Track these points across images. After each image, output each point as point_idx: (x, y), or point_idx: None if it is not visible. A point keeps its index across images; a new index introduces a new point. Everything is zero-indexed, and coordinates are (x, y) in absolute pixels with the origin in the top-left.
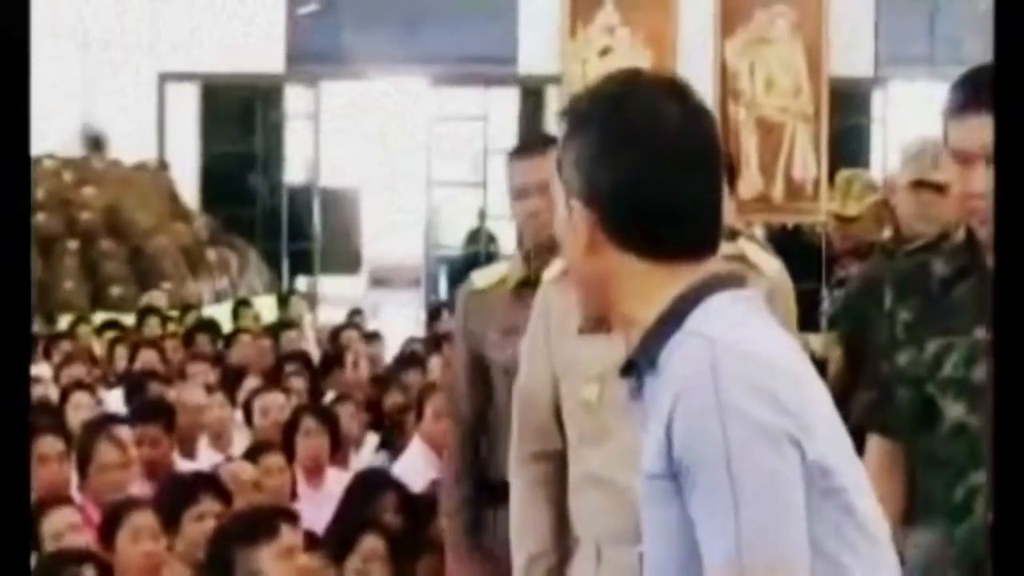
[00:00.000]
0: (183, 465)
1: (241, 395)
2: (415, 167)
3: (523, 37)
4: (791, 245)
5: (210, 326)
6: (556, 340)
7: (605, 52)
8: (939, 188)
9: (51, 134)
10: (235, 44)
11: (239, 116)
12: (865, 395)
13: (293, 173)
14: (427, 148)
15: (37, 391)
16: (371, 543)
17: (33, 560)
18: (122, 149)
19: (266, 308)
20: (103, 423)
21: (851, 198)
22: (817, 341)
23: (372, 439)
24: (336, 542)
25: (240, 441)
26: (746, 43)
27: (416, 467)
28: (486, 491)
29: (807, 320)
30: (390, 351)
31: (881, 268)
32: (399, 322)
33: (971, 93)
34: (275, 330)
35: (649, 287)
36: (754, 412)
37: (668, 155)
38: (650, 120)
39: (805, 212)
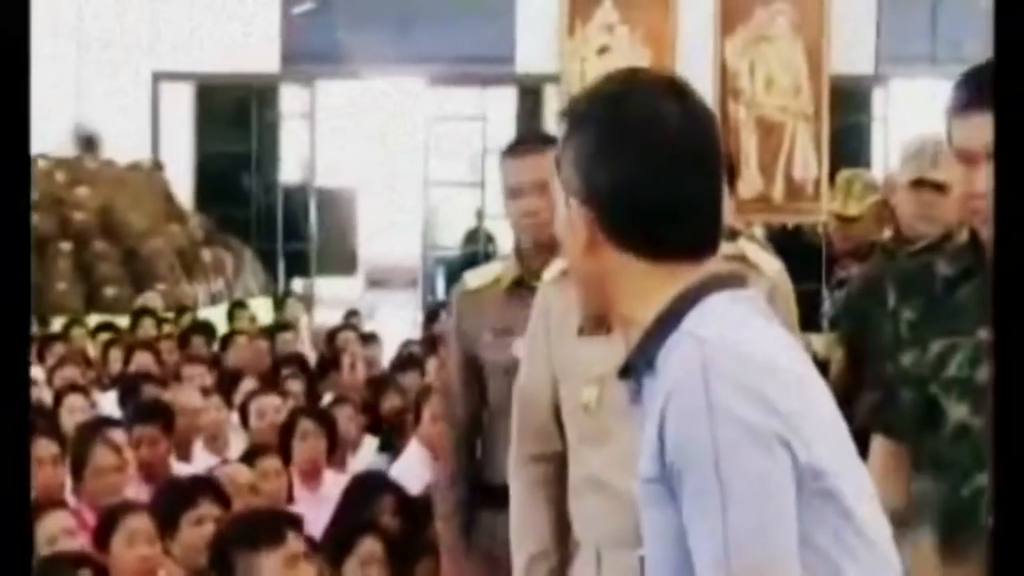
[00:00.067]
0: (179, 468)
1: (237, 397)
2: (412, 167)
3: (521, 36)
4: (792, 245)
5: (205, 328)
6: (556, 341)
7: (603, 51)
8: (939, 187)
9: (44, 134)
10: (230, 43)
11: (234, 116)
12: (869, 396)
13: (289, 173)
14: (424, 148)
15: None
16: (369, 546)
17: None
18: (116, 149)
19: (262, 310)
20: (98, 426)
21: (852, 198)
22: (819, 342)
23: (369, 441)
24: (334, 545)
25: (236, 444)
26: (746, 41)
27: (414, 469)
28: (482, 493)
29: (808, 320)
30: (387, 353)
31: (883, 268)
32: (396, 323)
33: (974, 91)
34: (271, 332)
35: (648, 287)
36: (743, 413)
37: (667, 154)
38: (649, 119)
39: (805, 212)
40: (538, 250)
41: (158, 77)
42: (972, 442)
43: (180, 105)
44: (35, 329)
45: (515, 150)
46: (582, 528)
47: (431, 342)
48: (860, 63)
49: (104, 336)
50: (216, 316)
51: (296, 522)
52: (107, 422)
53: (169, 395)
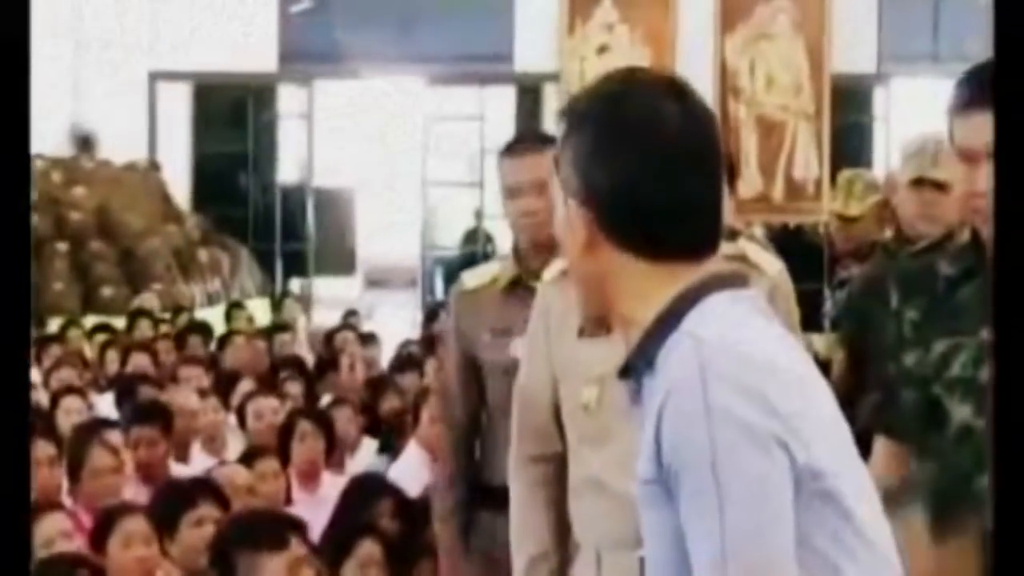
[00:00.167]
0: (176, 469)
1: (235, 399)
2: (411, 167)
3: (519, 35)
4: (793, 245)
5: (202, 329)
6: (555, 341)
7: (603, 50)
8: (940, 186)
9: (40, 134)
10: (227, 43)
11: (231, 115)
12: (871, 397)
13: (286, 173)
14: (423, 147)
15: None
16: (368, 548)
17: None
18: (112, 149)
19: (259, 310)
20: (95, 428)
21: (853, 198)
22: (820, 342)
23: (368, 443)
24: (332, 547)
25: (234, 445)
26: (746, 39)
27: (413, 471)
28: (481, 494)
29: (810, 321)
30: (386, 353)
31: (884, 268)
32: (395, 324)
33: (976, 90)
34: (269, 333)
35: (648, 287)
36: (742, 414)
37: (666, 154)
38: (648, 119)
39: (806, 211)
40: (536, 250)
41: (155, 77)
42: (975, 443)
43: (177, 105)
44: (32, 330)
45: (513, 150)
46: (582, 529)
47: (430, 342)
48: (861, 62)
49: (101, 337)
50: (213, 317)
51: (299, 527)
52: (104, 424)
53: (166, 396)
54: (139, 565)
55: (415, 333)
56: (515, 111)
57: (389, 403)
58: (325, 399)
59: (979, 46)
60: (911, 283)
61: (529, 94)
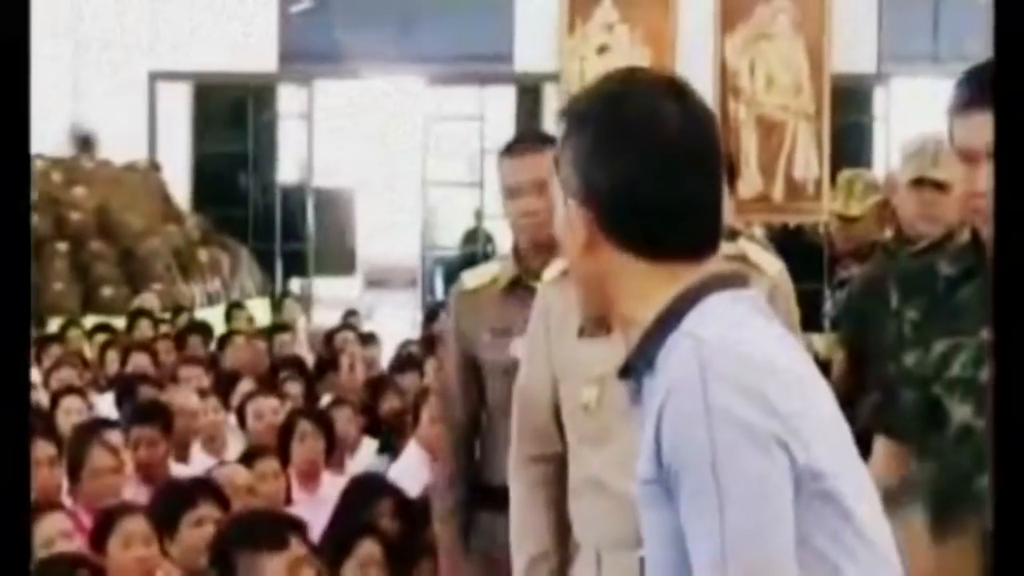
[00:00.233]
0: (176, 470)
1: (235, 399)
2: (411, 167)
3: (519, 34)
4: (793, 245)
5: (202, 329)
6: (555, 341)
7: (603, 50)
8: (939, 186)
9: (40, 134)
10: (227, 42)
11: (231, 115)
12: (871, 397)
13: (286, 173)
14: (423, 147)
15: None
16: (368, 548)
17: None
18: (112, 149)
19: (259, 310)
20: (95, 428)
21: (853, 198)
22: (820, 342)
23: (368, 443)
24: (332, 547)
25: (234, 445)
26: (746, 39)
27: (413, 471)
28: (481, 494)
29: (810, 321)
30: (386, 353)
31: (884, 268)
32: (395, 324)
33: (976, 90)
34: (269, 333)
35: (648, 287)
36: (742, 414)
37: (666, 154)
38: (648, 119)
39: (806, 211)
40: (536, 250)
41: (155, 77)
42: (975, 443)
43: (177, 105)
44: (31, 330)
45: (513, 149)
46: (582, 529)
47: (430, 343)
48: (861, 62)
49: (101, 337)
50: (213, 317)
51: (299, 527)
52: (104, 424)
53: (166, 397)
54: (139, 565)
55: (415, 333)
56: (515, 111)
57: (389, 403)
58: (325, 399)
59: (979, 46)
60: (911, 283)
61: (529, 94)
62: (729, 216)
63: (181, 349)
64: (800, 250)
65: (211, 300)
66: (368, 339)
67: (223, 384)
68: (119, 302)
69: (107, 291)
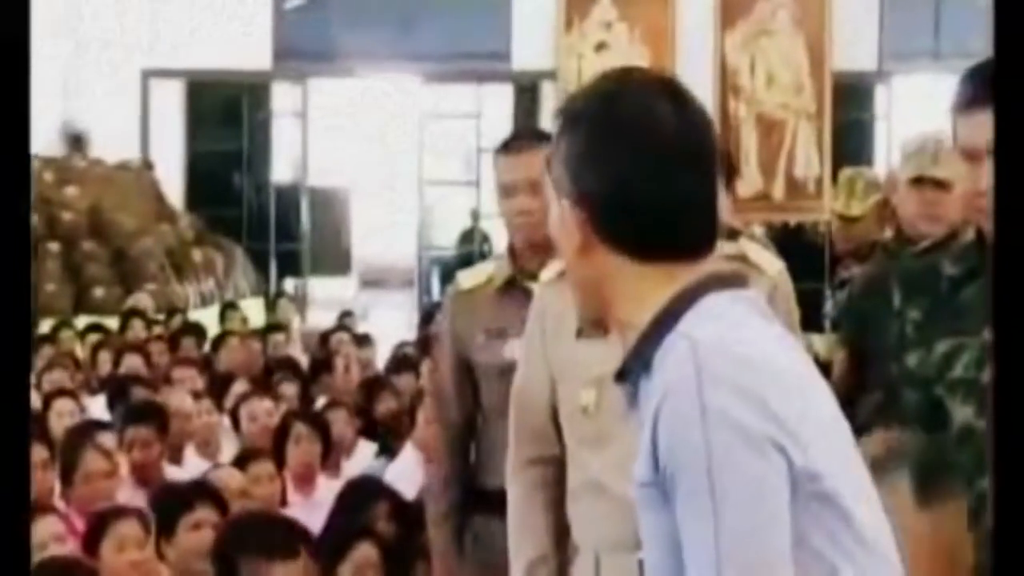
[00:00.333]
0: (170, 472)
1: (228, 401)
2: (407, 166)
3: (517, 32)
4: (793, 244)
5: (196, 329)
6: (553, 342)
7: (601, 47)
8: (940, 184)
9: (33, 133)
10: (221, 40)
11: (225, 114)
12: (872, 397)
13: (281, 172)
14: (419, 146)
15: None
16: (364, 551)
17: None
18: (105, 148)
19: (253, 311)
20: (88, 430)
21: (855, 198)
22: (821, 342)
23: (363, 445)
24: (328, 550)
25: (228, 448)
26: (746, 36)
27: (409, 473)
28: (476, 497)
29: (810, 321)
30: (382, 354)
31: (886, 268)
32: (391, 324)
33: (978, 88)
34: (263, 334)
35: (643, 289)
36: (737, 415)
37: (660, 154)
38: (641, 118)
39: (807, 210)
40: (532, 250)
41: (148, 74)
42: (977, 444)
43: (170, 103)
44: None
45: (510, 147)
46: (581, 532)
47: (426, 343)
48: (862, 59)
49: (93, 338)
50: (207, 317)
51: (307, 536)
52: (97, 426)
53: (160, 398)
54: (133, 569)
55: (411, 334)
56: (512, 109)
57: (385, 405)
58: (320, 401)
59: (981, 44)
60: (914, 283)
61: (526, 92)
62: (728, 215)
63: (174, 350)
64: (800, 250)
65: (205, 300)
66: (363, 340)
67: (217, 386)
68: (112, 302)
69: (99, 291)
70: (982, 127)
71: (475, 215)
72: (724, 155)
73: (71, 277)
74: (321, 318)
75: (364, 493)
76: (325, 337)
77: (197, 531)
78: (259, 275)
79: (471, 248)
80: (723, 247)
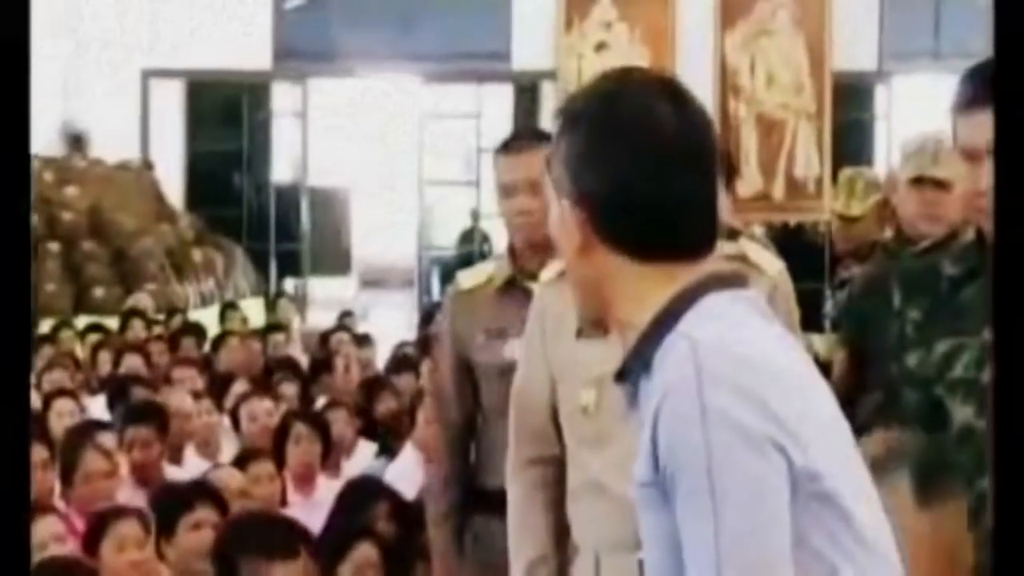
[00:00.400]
0: (170, 472)
1: (228, 401)
2: (407, 166)
3: (517, 32)
4: (793, 244)
5: (196, 329)
6: (552, 342)
7: (601, 47)
8: (940, 184)
9: (33, 133)
10: (221, 40)
11: (225, 114)
12: (872, 397)
13: (281, 172)
14: (419, 146)
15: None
16: (364, 551)
17: None
18: (105, 148)
19: (253, 311)
20: (88, 431)
21: (855, 198)
22: (821, 342)
23: (363, 445)
24: (328, 551)
25: (228, 448)
26: (746, 36)
27: (409, 473)
28: (476, 497)
29: (810, 321)
30: (382, 354)
31: (886, 268)
32: (391, 324)
33: (979, 88)
34: (263, 333)
35: (643, 289)
36: (737, 415)
37: (660, 154)
38: (641, 118)
39: (807, 210)
40: (532, 250)
41: (148, 74)
42: (977, 444)
43: (170, 103)
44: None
45: (510, 147)
46: (581, 532)
47: (426, 343)
48: (862, 59)
49: (93, 338)
50: (207, 317)
51: (308, 536)
52: (97, 426)
53: (160, 398)
54: (133, 569)
55: (411, 334)
56: (512, 109)
57: (385, 405)
58: (320, 401)
59: (981, 44)
60: (914, 283)
61: (526, 92)
62: (728, 215)
63: (174, 350)
64: (800, 250)
65: (205, 300)
66: (363, 340)
67: (217, 386)
68: (112, 302)
69: (99, 291)
70: (982, 127)
71: (475, 215)
72: (724, 155)
73: (71, 277)
74: (321, 318)
75: (364, 493)
76: (325, 337)
77: (197, 531)
78: (259, 275)
79: (471, 248)
80: (723, 247)
